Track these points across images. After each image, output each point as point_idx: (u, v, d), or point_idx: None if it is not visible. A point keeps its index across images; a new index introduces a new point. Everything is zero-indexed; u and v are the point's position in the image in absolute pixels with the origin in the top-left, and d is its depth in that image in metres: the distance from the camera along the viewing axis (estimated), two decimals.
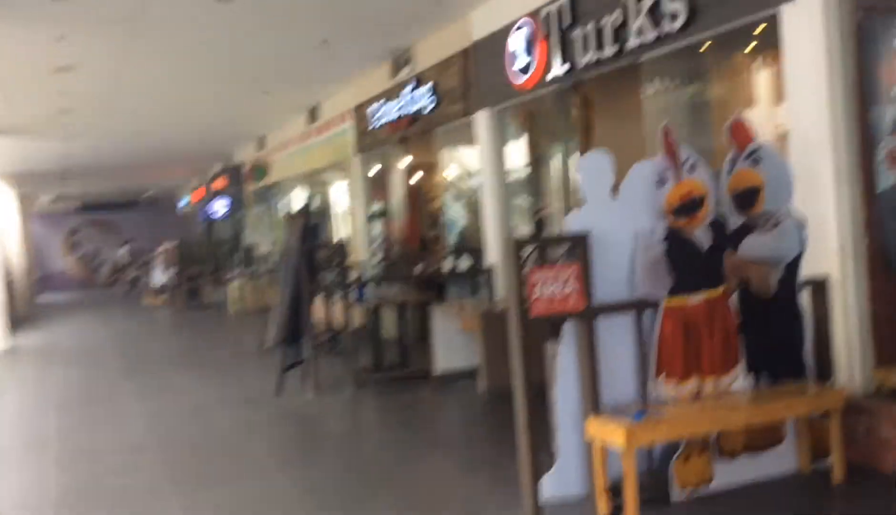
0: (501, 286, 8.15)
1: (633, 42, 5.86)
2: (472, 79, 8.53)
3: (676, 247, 4.24)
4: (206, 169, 23.71)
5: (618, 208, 4.23)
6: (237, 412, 7.66)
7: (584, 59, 6.44)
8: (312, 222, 8.19)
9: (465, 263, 10.07)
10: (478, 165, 8.58)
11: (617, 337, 4.23)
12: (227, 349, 11.73)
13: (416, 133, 10.18)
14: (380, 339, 8.97)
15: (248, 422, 7.29)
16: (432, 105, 9.45)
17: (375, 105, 11.08)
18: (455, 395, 7.51)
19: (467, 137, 9.81)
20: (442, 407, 7.38)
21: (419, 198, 11.47)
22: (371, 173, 12.25)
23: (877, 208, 4.46)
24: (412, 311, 8.82)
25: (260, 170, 17.83)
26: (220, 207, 20.84)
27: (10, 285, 19.19)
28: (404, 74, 10.17)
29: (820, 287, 4.49)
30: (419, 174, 11.49)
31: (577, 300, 4.05)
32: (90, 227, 32.56)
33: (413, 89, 9.87)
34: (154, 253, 22.78)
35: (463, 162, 10.08)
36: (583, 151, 7.11)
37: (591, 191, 4.22)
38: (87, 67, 9.95)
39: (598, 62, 6.33)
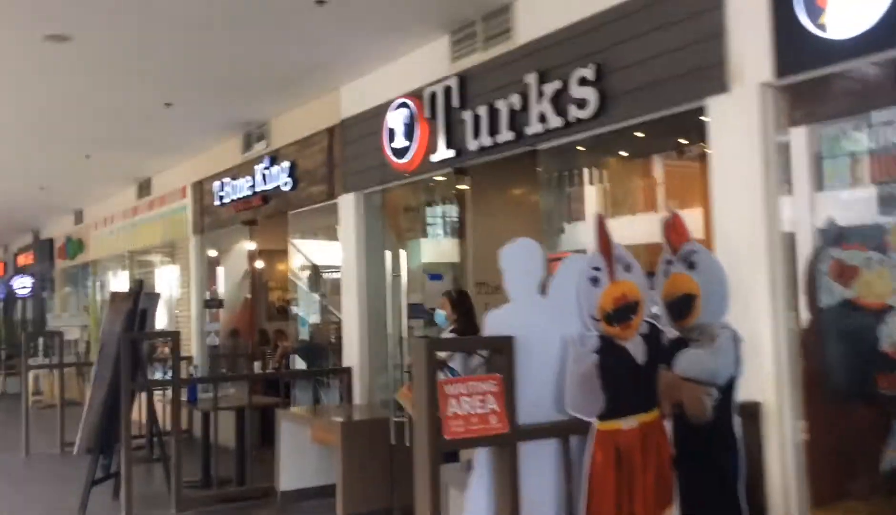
0: (361, 392, 7.21)
1: (533, 128, 5.33)
2: (338, 159, 7.76)
3: (611, 359, 3.55)
4: (10, 241, 21.22)
5: (547, 309, 3.52)
6: None
7: (474, 143, 5.85)
8: (141, 307, 6.93)
9: (314, 362, 9.08)
10: (340, 253, 7.71)
11: (538, 466, 3.44)
12: (21, 452, 9.86)
13: (268, 215, 9.20)
14: (210, 448, 7.70)
15: None
16: (289, 186, 8.56)
17: (220, 181, 10.03)
18: None
19: (323, 223, 9.00)
20: None
21: (263, 287, 10.41)
22: (210, 256, 11.05)
23: (817, 327, 4.03)
24: (252, 416, 7.63)
25: (75, 245, 15.97)
26: (22, 286, 18.49)
27: None
28: (257, 149, 9.25)
29: (753, 416, 3.96)
30: (264, 261, 10.45)
31: (500, 421, 3.25)
32: None
33: (267, 167, 8.95)
34: None
35: (317, 249, 9.18)
36: (463, 240, 6.46)
37: (516, 285, 3.49)
38: None
39: (490, 148, 5.75)
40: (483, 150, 5.81)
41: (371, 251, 7.48)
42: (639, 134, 5.04)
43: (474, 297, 5.99)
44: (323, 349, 9.23)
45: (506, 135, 5.54)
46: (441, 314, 5.49)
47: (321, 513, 6.29)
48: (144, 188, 12.62)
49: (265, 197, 9.06)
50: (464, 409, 3.22)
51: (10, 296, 19.15)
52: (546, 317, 3.53)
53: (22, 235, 19.77)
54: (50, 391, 15.43)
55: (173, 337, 6.81)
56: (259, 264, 10.42)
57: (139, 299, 6.95)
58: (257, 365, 9.96)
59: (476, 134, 5.81)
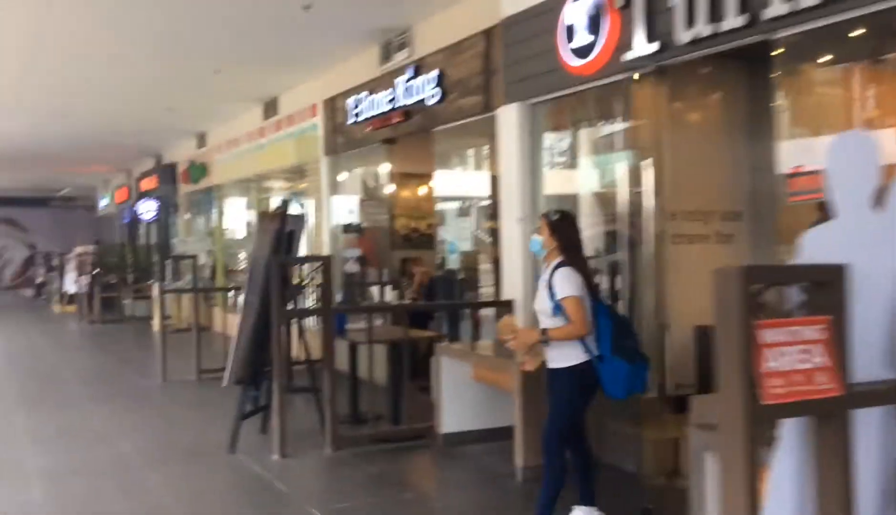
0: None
1: (774, 9, 4.29)
2: (497, 65, 6.88)
3: None
4: (134, 167, 21.36)
5: (879, 228, 2.60)
6: (175, 475, 5.71)
7: (687, 34, 4.85)
8: (289, 229, 6.34)
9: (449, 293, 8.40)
10: (501, 173, 6.89)
11: (865, 441, 2.58)
12: (156, 378, 9.66)
13: (409, 132, 8.45)
14: (357, 383, 7.17)
15: (192, 492, 5.37)
16: (435, 99, 7.75)
17: (356, 97, 9.31)
18: (469, 468, 5.75)
19: (473, 140, 8.19)
20: (452, 485, 5.59)
21: (401, 212, 9.73)
22: (342, 179, 10.44)
23: None
24: (394, 350, 6.99)
25: (198, 170, 15.74)
26: (147, 210, 18.55)
27: None
28: (398, 59, 8.45)
29: None
30: (402, 184, 9.75)
31: (831, 379, 2.39)
32: None
33: (410, 79, 8.16)
34: (67, 257, 20.28)
35: (466, 169, 8.40)
36: (657, 160, 5.51)
37: (843, 194, 2.58)
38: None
39: (707, 39, 4.75)
40: (697, 42, 4.81)
41: (536, 171, 6.63)
42: None
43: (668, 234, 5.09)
44: (457, 281, 8.56)
45: (733, 20, 4.52)
46: (536, 241, 4.50)
47: (491, 460, 5.64)
48: (271, 108, 12.08)
49: (407, 113, 8.29)
50: (784, 364, 2.37)
51: (135, 220, 19.30)
52: (877, 239, 2.62)
53: (145, 159, 19.81)
54: (178, 315, 15.48)
55: (325, 262, 6.18)
56: (395, 187, 9.71)
57: (286, 221, 6.35)
58: (394, 295, 9.40)
59: (690, 22, 4.80)
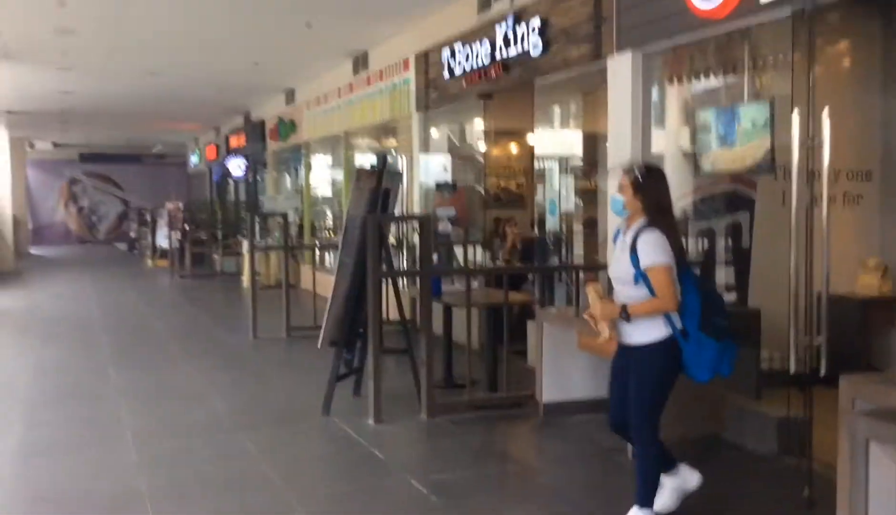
0: None
1: None
2: (607, 12, 6.38)
3: None
4: (222, 123, 21.55)
5: None
6: (270, 438, 5.56)
7: None
8: (385, 187, 6.05)
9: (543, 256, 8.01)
10: (609, 129, 6.43)
11: None
12: (247, 335, 9.62)
13: (509, 86, 8.02)
14: (452, 347, 6.90)
15: (288, 457, 5.20)
16: (538, 49, 7.29)
17: (451, 49, 8.91)
18: (574, 440, 5.41)
19: (578, 93, 7.71)
20: (558, 458, 5.25)
21: (496, 171, 9.35)
22: (434, 135, 10.11)
23: None
24: (489, 314, 6.67)
25: (286, 127, 15.66)
26: (236, 167, 18.67)
27: None
28: (497, 7, 8.01)
29: None
30: (498, 140, 9.35)
31: None
32: (91, 179, 30.37)
33: (510, 28, 7.71)
34: (159, 212, 20.68)
35: (568, 125, 7.95)
36: (802, 113, 4.96)
37: None
38: None
39: None
40: None
41: (648, 126, 6.14)
42: None
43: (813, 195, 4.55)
44: (552, 243, 8.17)
45: None
46: (618, 200, 3.87)
47: (597, 433, 5.26)
48: (361, 63, 11.80)
49: (505, 65, 7.86)
50: None
51: (225, 177, 19.49)
52: None
53: (234, 117, 19.91)
54: (266, 272, 15.55)
55: (422, 221, 5.88)
56: (489, 144, 9.32)
57: (383, 178, 6.06)
58: (486, 256, 9.08)
59: None
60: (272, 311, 9.89)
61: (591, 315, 3.90)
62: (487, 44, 8.12)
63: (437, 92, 9.50)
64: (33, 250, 25.39)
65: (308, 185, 15.27)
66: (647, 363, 3.77)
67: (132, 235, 25.27)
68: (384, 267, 5.84)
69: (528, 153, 9.11)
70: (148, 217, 21.59)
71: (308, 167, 15.18)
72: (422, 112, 10.01)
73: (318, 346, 6.01)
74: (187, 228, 18.52)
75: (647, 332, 3.75)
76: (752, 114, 5.25)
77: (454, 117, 9.79)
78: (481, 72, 8.28)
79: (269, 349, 9.04)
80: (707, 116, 5.81)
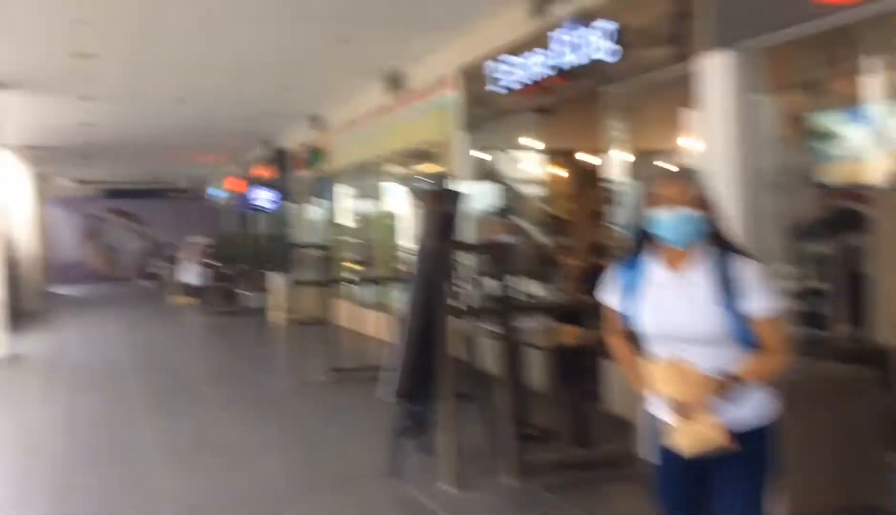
0: None
1: None
2: (692, 7, 5.64)
3: None
4: (246, 155, 20.97)
5: None
6: (332, 509, 4.78)
7: None
8: (448, 211, 5.31)
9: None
10: (700, 140, 5.66)
11: None
12: (286, 378, 8.88)
13: (570, 97, 7.28)
14: (522, 391, 6.09)
15: None
16: (608, 54, 6.57)
17: (500, 61, 8.21)
18: None
19: (658, 101, 6.95)
20: None
21: (557, 191, 8.60)
22: (482, 155, 9.36)
23: None
24: (569, 355, 5.87)
25: (314, 155, 15.02)
26: (263, 198, 18.03)
27: (14, 278, 16.52)
28: (555, 13, 7.30)
29: None
30: (562, 157, 8.60)
31: None
32: (113, 215, 29.94)
33: (572, 32, 6.99)
34: (183, 248, 20.08)
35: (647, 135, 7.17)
36: None
37: None
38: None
39: None
40: None
41: (752, 138, 5.37)
42: None
43: None
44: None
45: None
46: (690, 217, 2.68)
47: None
48: (397, 83, 11.12)
49: (567, 73, 7.13)
50: None
51: (251, 209, 18.84)
52: None
53: (258, 146, 19.32)
54: (298, 307, 14.84)
55: (499, 251, 5.11)
56: (548, 163, 8.58)
57: (446, 202, 5.32)
58: (547, 288, 8.28)
59: None
60: (308, 350, 9.14)
61: (679, 402, 2.59)
62: (545, 52, 7.41)
63: (484, 109, 8.79)
64: (55, 289, 24.88)
65: (338, 215, 14.57)
66: (764, 453, 2.70)
67: (156, 271, 24.70)
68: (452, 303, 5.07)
69: (593, 171, 8.34)
70: (172, 253, 21.01)
71: (338, 197, 14.48)
72: (466, 132, 9.30)
73: (383, 397, 5.23)
74: (212, 263, 17.89)
75: (761, 406, 2.69)
76: (881, 118, 4.47)
77: (506, 135, 9.06)
78: (537, 83, 7.56)
79: (313, 394, 8.29)
80: (825, 121, 5.04)
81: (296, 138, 16.38)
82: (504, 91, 8.19)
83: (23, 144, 17.80)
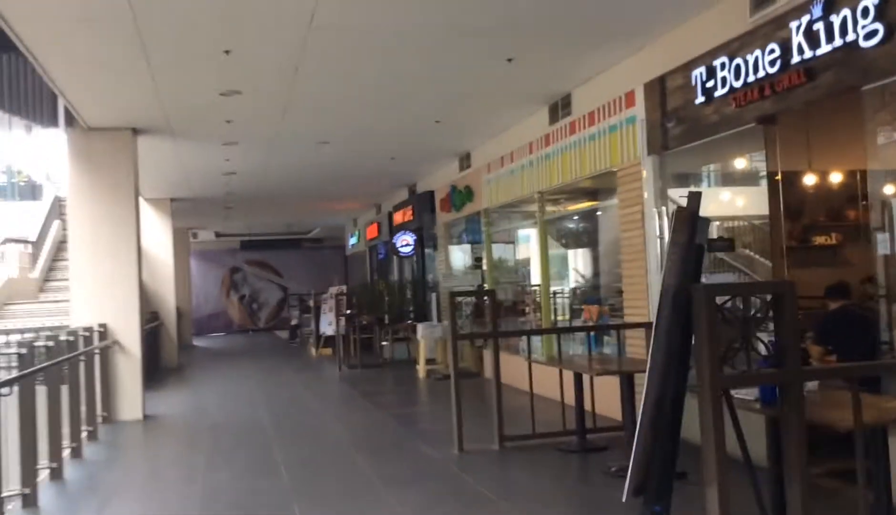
0: None
1: None
2: None
3: None
4: (384, 200, 20.28)
5: None
6: None
7: None
8: (699, 242, 3.93)
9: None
10: None
11: None
12: (449, 447, 7.60)
13: (815, 97, 5.77)
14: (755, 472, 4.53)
15: None
16: (875, 38, 5.06)
17: (708, 65, 6.81)
18: None
19: None
20: None
21: (793, 213, 7.05)
22: (677, 181, 7.93)
23: None
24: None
25: (461, 195, 13.94)
26: (404, 243, 17.12)
27: (156, 334, 16.20)
28: (782, 1, 5.87)
29: None
30: (795, 175, 7.06)
31: None
32: (251, 266, 30.06)
33: (817, 20, 5.52)
34: (322, 297, 19.43)
35: None
36: None
37: None
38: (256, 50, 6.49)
39: None
40: None
41: None
42: None
43: None
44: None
45: None
46: None
47: None
48: (561, 108, 9.88)
49: (807, 70, 5.65)
50: None
51: (395, 255, 17.93)
52: None
53: (397, 190, 18.55)
54: (444, 360, 13.71)
55: (780, 291, 3.66)
56: (777, 182, 7.03)
57: (695, 226, 3.94)
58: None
59: None
60: (466, 410, 7.76)
61: None
62: (774, 47, 5.96)
63: (681, 125, 7.38)
64: (196, 342, 24.90)
65: (490, 257, 13.36)
66: None
67: (293, 322, 24.28)
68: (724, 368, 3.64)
69: (844, 190, 6.76)
70: (310, 303, 20.42)
71: (489, 238, 13.30)
72: (656, 155, 7.90)
73: (623, 498, 3.82)
74: (352, 313, 17.06)
75: None
76: None
77: (712, 155, 7.61)
78: (763, 86, 6.10)
79: (486, 467, 6.98)
80: None
81: (441, 179, 15.40)
82: (711, 100, 6.78)
83: (166, 197, 17.71)
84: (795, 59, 5.74)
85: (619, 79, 8.45)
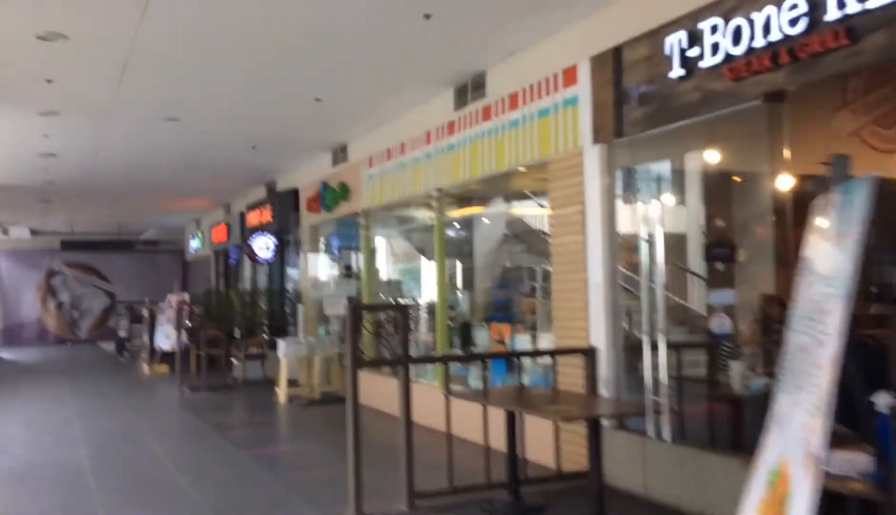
0: None
1: None
2: None
3: None
4: (236, 198, 17.98)
5: None
6: None
7: None
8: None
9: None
10: None
11: None
12: (343, 507, 5.78)
13: (845, 68, 4.50)
14: None
15: None
16: None
17: (688, 32, 5.45)
18: None
19: None
20: None
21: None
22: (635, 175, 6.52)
23: None
24: None
25: (335, 193, 12.09)
26: (263, 247, 14.93)
27: None
28: None
29: None
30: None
31: None
32: (72, 269, 26.49)
33: None
34: (159, 306, 16.87)
35: None
36: None
37: None
38: None
39: None
40: None
41: None
42: None
43: None
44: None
45: None
46: None
47: None
48: (472, 89, 8.32)
49: (849, 31, 4.38)
50: None
51: (252, 260, 15.59)
52: None
53: (253, 188, 16.37)
54: (308, 382, 11.81)
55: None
56: (777, 178, 5.73)
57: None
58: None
59: None
60: (338, 443, 5.96)
61: None
62: (798, 1, 4.66)
63: (645, 107, 5.98)
64: (4, 354, 21.37)
65: (369, 266, 11.57)
66: None
67: (122, 333, 21.29)
68: None
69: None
70: (144, 313, 17.77)
71: (368, 243, 11.52)
72: (605, 143, 6.48)
73: None
74: (195, 325, 14.74)
75: None
76: None
77: (681, 144, 6.26)
78: (778, 52, 4.77)
79: None
80: None
81: (308, 176, 13.44)
82: (695, 72, 5.43)
83: None
84: (833, 14, 4.45)
85: (554, 53, 7.00)
